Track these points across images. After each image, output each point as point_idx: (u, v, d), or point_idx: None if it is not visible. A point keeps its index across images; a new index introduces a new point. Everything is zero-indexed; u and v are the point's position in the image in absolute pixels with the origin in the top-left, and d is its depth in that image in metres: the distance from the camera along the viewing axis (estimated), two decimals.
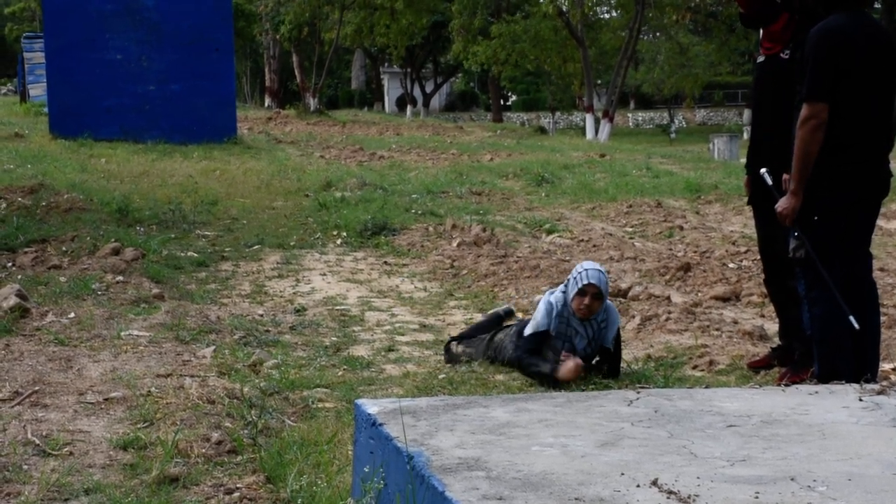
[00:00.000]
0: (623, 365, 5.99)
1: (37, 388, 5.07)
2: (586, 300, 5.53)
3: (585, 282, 5.50)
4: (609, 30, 42.03)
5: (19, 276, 7.85)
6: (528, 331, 5.71)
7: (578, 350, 5.64)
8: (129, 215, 10.75)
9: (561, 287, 5.75)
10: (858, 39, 4.85)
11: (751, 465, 2.91)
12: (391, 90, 63.27)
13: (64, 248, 8.87)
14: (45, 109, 21.07)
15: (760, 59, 5.82)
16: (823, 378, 4.71)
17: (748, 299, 7.77)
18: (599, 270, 5.59)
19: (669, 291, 8.08)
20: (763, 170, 5.35)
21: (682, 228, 11.38)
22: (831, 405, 3.58)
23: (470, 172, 16.91)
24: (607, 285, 5.64)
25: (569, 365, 5.47)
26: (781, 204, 4.97)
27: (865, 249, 5.09)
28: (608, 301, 5.74)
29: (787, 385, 4.22)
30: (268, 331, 6.82)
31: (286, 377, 5.57)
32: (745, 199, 6.11)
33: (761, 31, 5.80)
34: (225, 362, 5.80)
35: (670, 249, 10.11)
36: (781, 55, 5.63)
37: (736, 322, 7.15)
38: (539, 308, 5.71)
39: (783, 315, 5.97)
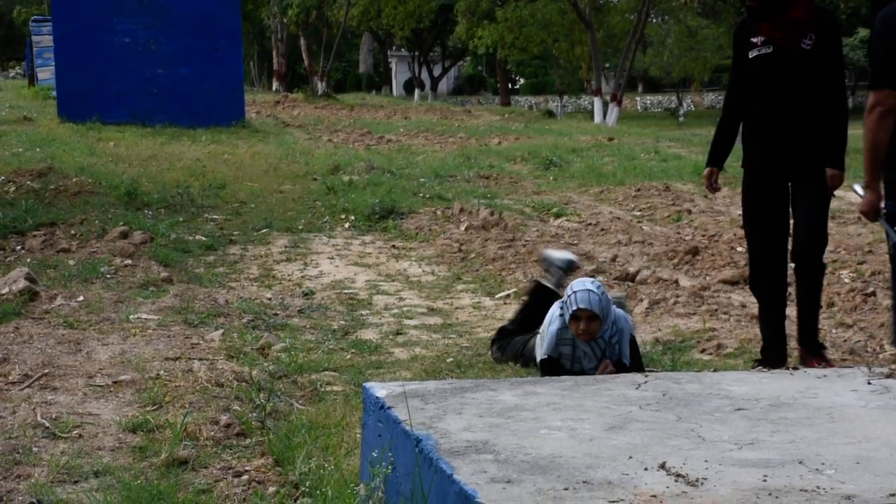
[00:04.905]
0: None
1: (46, 370, 5.10)
2: (581, 325, 5.09)
3: (574, 307, 5.04)
4: (617, 13, 41.83)
5: (28, 260, 7.87)
6: (538, 356, 5.34)
7: (587, 371, 5.15)
8: (137, 199, 10.77)
9: (558, 308, 5.29)
10: None
11: (759, 448, 2.91)
12: (399, 74, 63.14)
13: (73, 232, 8.89)
14: (54, 93, 21.03)
15: (766, 50, 5.29)
16: None
17: None
18: (589, 290, 5.04)
19: (677, 275, 8.07)
20: (855, 185, 4.97)
21: (690, 212, 11.36)
22: (840, 388, 3.58)
23: (478, 156, 16.88)
24: (602, 301, 5.07)
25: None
26: (860, 203, 4.75)
27: None
28: (617, 310, 5.25)
29: (795, 369, 4.21)
30: (276, 314, 6.83)
31: (294, 360, 5.58)
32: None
33: (764, 24, 5.27)
34: (233, 345, 5.82)
35: (678, 233, 10.10)
36: (802, 45, 5.20)
37: (744, 306, 7.15)
38: (548, 333, 5.27)
39: (767, 323, 5.55)
